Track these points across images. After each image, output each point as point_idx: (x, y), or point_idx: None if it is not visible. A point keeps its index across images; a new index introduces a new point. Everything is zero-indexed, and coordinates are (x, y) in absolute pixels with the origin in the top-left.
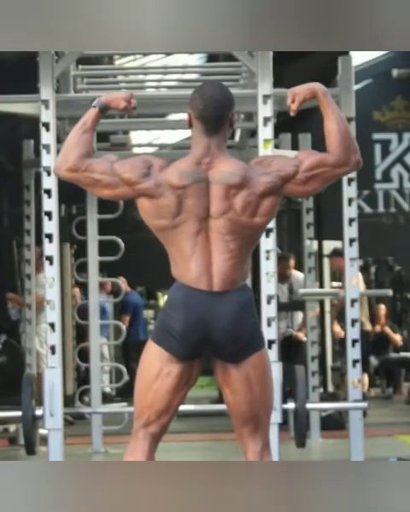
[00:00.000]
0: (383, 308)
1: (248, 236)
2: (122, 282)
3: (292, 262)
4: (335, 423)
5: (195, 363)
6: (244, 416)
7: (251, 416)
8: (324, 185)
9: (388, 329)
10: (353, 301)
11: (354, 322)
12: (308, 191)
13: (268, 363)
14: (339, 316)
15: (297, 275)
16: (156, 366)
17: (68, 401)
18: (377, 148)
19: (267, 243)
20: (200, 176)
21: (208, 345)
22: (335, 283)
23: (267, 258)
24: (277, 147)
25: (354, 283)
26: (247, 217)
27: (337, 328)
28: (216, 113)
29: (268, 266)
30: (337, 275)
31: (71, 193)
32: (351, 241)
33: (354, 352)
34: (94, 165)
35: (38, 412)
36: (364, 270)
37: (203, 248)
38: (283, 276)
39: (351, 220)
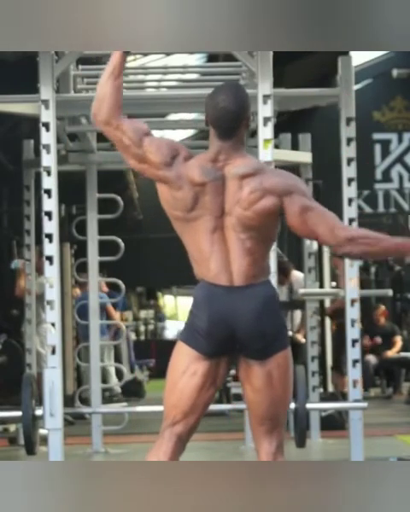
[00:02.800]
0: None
1: (258, 235)
2: (103, 284)
3: (292, 270)
4: (335, 423)
5: (221, 363)
6: (263, 415)
7: (270, 414)
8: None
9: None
10: (353, 301)
11: (353, 322)
12: (293, 228)
13: (291, 363)
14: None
15: (297, 274)
16: (183, 364)
17: (68, 401)
18: (377, 148)
19: None
20: (217, 173)
21: (234, 341)
22: (334, 283)
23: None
24: (277, 147)
25: (353, 284)
26: (249, 206)
27: None
28: (229, 125)
29: None
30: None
31: (71, 193)
32: None
33: (354, 352)
34: (125, 127)
35: (38, 412)
36: (364, 270)
37: (221, 247)
38: (282, 282)
39: (351, 220)
